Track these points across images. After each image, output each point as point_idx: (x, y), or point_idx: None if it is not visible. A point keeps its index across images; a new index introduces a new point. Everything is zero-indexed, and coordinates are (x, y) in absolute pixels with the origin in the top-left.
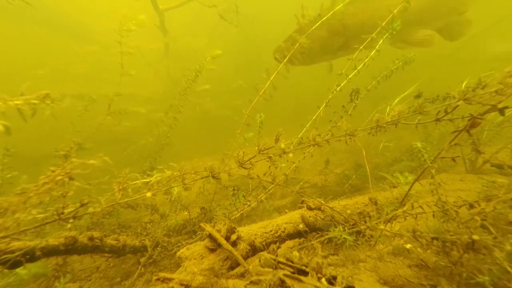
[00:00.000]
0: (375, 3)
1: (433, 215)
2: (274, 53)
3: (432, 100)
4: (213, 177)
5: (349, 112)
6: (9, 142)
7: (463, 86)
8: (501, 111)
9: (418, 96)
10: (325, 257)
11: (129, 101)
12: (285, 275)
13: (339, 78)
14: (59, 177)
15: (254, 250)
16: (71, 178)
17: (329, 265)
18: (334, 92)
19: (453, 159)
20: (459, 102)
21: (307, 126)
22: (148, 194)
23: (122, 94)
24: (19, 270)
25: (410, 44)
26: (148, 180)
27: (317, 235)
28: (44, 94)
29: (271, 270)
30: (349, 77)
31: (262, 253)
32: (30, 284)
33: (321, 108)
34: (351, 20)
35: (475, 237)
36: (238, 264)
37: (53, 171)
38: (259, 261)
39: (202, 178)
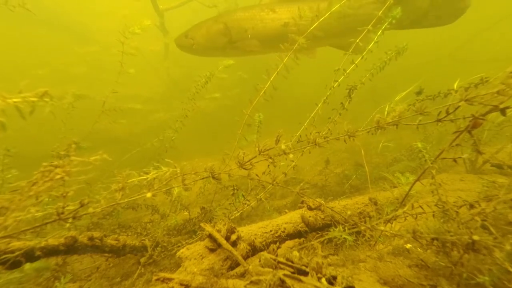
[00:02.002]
0: (261, 14)
1: (433, 215)
2: (174, 41)
3: (433, 97)
4: (213, 177)
5: (345, 106)
6: (9, 142)
7: (455, 86)
8: (503, 111)
9: (419, 93)
10: (325, 257)
11: (129, 101)
12: (285, 275)
13: (336, 74)
14: (58, 176)
15: (254, 250)
16: (68, 175)
17: (329, 265)
18: (332, 89)
19: (454, 160)
20: (461, 102)
21: (305, 124)
22: (148, 195)
23: (121, 93)
24: (25, 266)
25: (312, 56)
26: (145, 177)
27: (317, 235)
28: (43, 92)
29: (271, 270)
30: (347, 71)
31: (262, 253)
32: (31, 284)
33: (319, 105)
34: (234, 24)
35: (475, 237)
36: (238, 264)
37: (50, 170)
38: (259, 261)
39: (203, 178)
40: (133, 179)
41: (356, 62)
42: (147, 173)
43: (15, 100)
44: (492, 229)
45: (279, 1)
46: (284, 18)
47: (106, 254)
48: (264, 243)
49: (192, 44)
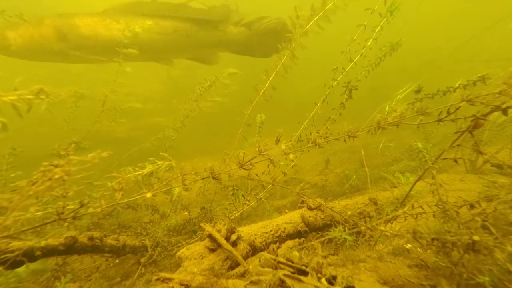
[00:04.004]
0: (104, 23)
1: (434, 216)
2: None
3: (432, 96)
4: (213, 178)
5: (345, 105)
6: (10, 142)
7: (458, 84)
8: (504, 112)
9: (418, 91)
10: (325, 257)
11: (130, 100)
12: (285, 275)
13: (335, 73)
14: (57, 175)
15: (254, 250)
16: (68, 175)
17: (329, 265)
18: (331, 88)
19: (455, 160)
20: (462, 103)
21: (304, 123)
22: (148, 195)
23: (121, 93)
24: (18, 269)
25: (168, 63)
26: (140, 172)
27: (317, 235)
28: (38, 89)
29: (271, 270)
30: (346, 70)
31: (262, 253)
32: (30, 283)
33: (318, 105)
34: (73, 31)
35: (476, 237)
36: (238, 264)
37: (50, 170)
38: (259, 261)
39: (203, 178)
40: (129, 175)
41: (354, 60)
42: (142, 168)
43: (11, 98)
44: (492, 229)
45: (120, 13)
46: (132, 29)
47: (106, 254)
48: (264, 243)
49: (8, 45)
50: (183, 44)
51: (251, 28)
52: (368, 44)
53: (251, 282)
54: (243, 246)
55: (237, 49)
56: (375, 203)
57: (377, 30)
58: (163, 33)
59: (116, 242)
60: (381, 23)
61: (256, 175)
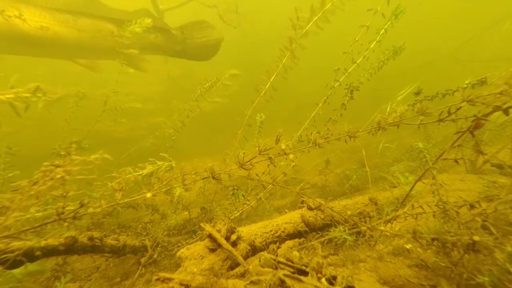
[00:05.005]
0: None
1: (434, 216)
2: None
3: (431, 98)
4: (213, 178)
5: (346, 106)
6: (12, 141)
7: (466, 82)
8: (506, 112)
9: (417, 93)
10: (325, 257)
11: (130, 101)
12: (285, 275)
13: (337, 74)
14: (59, 175)
15: (254, 250)
16: (69, 175)
17: (329, 265)
18: (333, 89)
19: (456, 161)
20: (463, 103)
21: (305, 124)
22: (148, 195)
23: (121, 92)
24: (14, 270)
25: (80, 64)
26: (140, 172)
27: (317, 235)
28: (35, 87)
29: (271, 270)
30: (349, 71)
31: (262, 253)
32: (30, 283)
33: (319, 105)
34: None
35: (476, 238)
36: (238, 264)
37: (51, 170)
38: (259, 261)
39: (203, 178)
40: (129, 175)
41: (357, 62)
42: (142, 168)
43: (8, 96)
44: (492, 229)
45: (27, 2)
46: (41, 21)
47: (106, 254)
48: (264, 243)
49: None
50: (109, 45)
51: (184, 32)
52: (372, 46)
53: (251, 282)
54: (243, 246)
55: (171, 53)
56: (375, 203)
57: (381, 33)
58: (84, 30)
59: (116, 242)
60: (385, 26)
61: (256, 175)
